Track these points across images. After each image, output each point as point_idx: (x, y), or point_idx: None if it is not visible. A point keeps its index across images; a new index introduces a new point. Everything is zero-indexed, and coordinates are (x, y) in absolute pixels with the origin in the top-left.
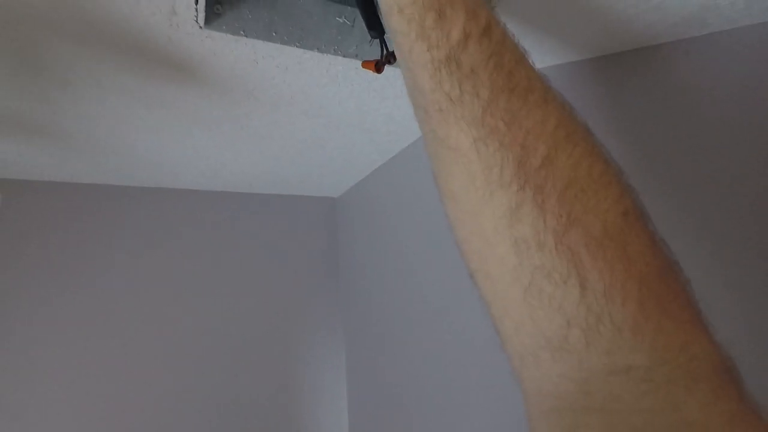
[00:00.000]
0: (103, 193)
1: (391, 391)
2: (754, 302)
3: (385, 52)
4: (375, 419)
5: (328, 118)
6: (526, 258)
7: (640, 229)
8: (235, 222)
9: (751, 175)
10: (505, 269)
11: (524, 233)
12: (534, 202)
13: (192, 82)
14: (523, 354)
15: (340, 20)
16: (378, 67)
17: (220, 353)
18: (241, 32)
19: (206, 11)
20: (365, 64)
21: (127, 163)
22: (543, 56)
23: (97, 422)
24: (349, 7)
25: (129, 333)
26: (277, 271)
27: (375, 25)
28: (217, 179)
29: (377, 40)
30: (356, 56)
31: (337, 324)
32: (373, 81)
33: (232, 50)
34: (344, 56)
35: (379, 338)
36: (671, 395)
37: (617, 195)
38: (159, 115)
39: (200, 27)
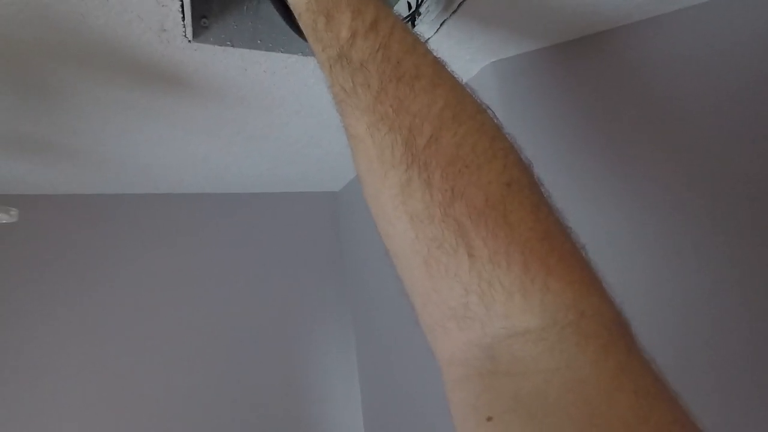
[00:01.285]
0: (113, 202)
1: (405, 382)
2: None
3: None
4: (389, 413)
5: (320, 117)
6: (421, 231)
7: (524, 197)
8: (241, 222)
9: (727, 151)
10: (405, 244)
11: (416, 208)
12: (420, 178)
13: (186, 92)
14: (432, 326)
15: None
16: None
17: (231, 352)
18: (228, 43)
19: (193, 26)
20: None
21: (133, 172)
22: (520, 43)
23: (105, 421)
24: None
25: (143, 334)
26: (285, 267)
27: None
28: (220, 182)
29: None
30: None
31: (346, 318)
32: None
33: (221, 60)
34: None
35: (389, 329)
36: (564, 354)
37: (500, 167)
38: (158, 126)
39: (189, 41)
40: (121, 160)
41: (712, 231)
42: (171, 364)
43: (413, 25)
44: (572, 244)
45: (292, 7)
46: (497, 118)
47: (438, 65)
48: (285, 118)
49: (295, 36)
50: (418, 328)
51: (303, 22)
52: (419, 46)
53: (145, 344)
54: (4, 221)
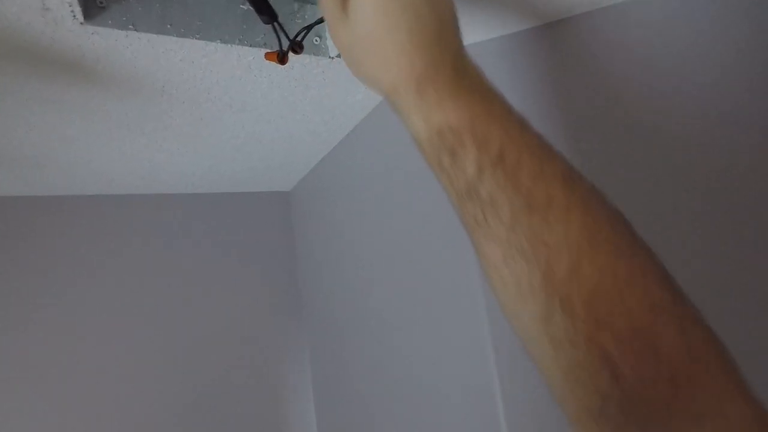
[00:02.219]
0: (32, 205)
1: (357, 386)
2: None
3: (286, 41)
4: (342, 416)
5: (256, 112)
6: (562, 351)
7: (669, 318)
8: (182, 225)
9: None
10: (545, 355)
11: (558, 334)
12: (563, 310)
13: (94, 83)
14: (571, 418)
15: (245, 8)
16: (281, 58)
17: (178, 359)
18: (131, 26)
19: (86, 4)
20: (268, 55)
21: (52, 173)
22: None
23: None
24: None
25: (70, 340)
26: (234, 271)
27: (264, 10)
28: (155, 182)
29: (289, 26)
30: (264, 45)
31: (300, 322)
32: (291, 70)
33: (126, 46)
34: (251, 46)
35: (343, 333)
36: None
37: (641, 292)
38: (72, 121)
39: (81, 22)
40: (35, 160)
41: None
42: (112, 374)
43: None
44: (722, 360)
45: (412, 136)
46: (628, 222)
47: (568, 181)
48: (216, 113)
49: (214, 21)
50: (375, 336)
51: (425, 154)
52: (547, 165)
53: (78, 349)
54: None
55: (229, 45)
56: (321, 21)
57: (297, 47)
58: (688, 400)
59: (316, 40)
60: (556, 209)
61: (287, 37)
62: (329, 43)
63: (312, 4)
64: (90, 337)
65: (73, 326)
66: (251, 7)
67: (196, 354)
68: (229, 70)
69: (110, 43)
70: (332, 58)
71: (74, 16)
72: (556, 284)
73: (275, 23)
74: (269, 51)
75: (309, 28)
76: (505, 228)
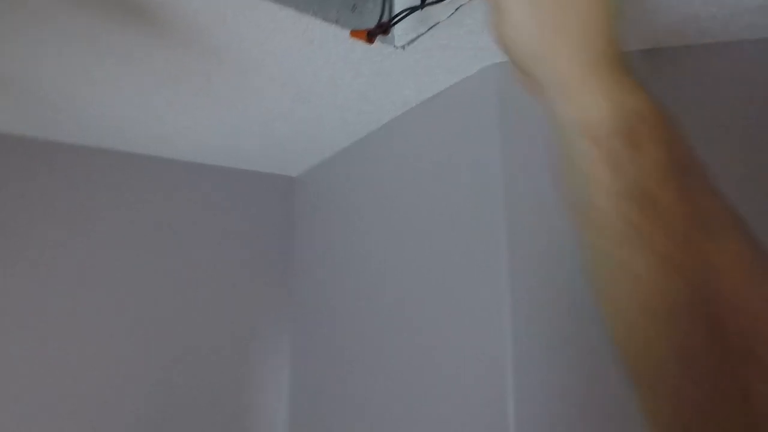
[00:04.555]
0: (30, 146)
1: (338, 393)
2: None
3: (382, 19)
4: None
5: (298, 88)
6: (699, 379)
7: None
8: (178, 194)
9: None
10: (668, 376)
11: (698, 360)
12: (710, 333)
13: (150, 28)
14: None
15: None
16: (370, 37)
17: (150, 343)
18: None
19: None
20: (355, 33)
21: (66, 116)
22: None
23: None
24: None
25: (50, 315)
26: (223, 252)
27: None
28: (165, 144)
29: (361, 8)
30: (336, 22)
31: (285, 317)
32: (351, 53)
33: None
34: (323, 20)
35: (331, 346)
36: None
37: None
38: (105, 63)
39: None
40: (52, 100)
41: None
42: (79, 358)
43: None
44: None
45: (571, 118)
46: None
47: (730, 203)
48: (258, 84)
49: None
50: (364, 352)
51: (589, 137)
52: (714, 186)
53: (50, 328)
54: None
55: (302, 14)
56: (419, 8)
57: (388, 27)
58: None
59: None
60: (729, 230)
61: (390, 14)
62: (398, 32)
63: None
64: (59, 297)
65: (44, 278)
66: None
67: (168, 326)
68: (292, 40)
69: None
70: (397, 47)
71: None
72: (712, 308)
73: None
74: (357, 29)
75: (411, 10)
76: (670, 242)
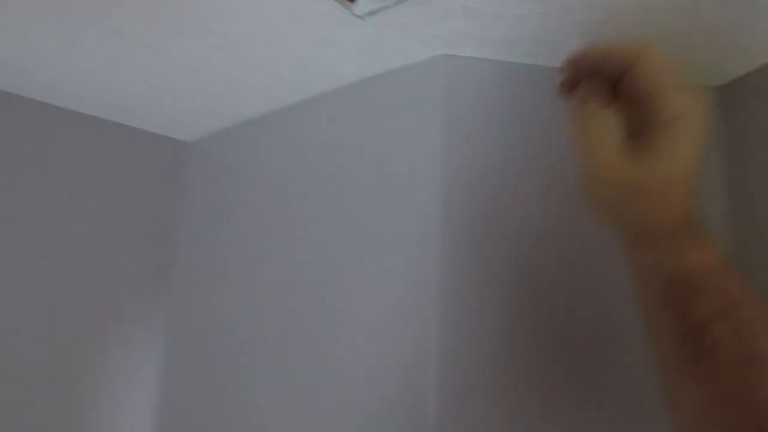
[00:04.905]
0: None
1: (217, 386)
2: None
3: None
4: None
5: (225, 39)
6: None
7: None
8: (46, 143)
9: None
10: None
11: None
12: None
13: None
14: None
15: None
16: None
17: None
18: None
19: None
20: None
21: None
22: (483, 47)
23: None
24: None
25: None
26: (93, 221)
27: None
28: (63, 94)
29: None
30: None
31: (159, 299)
32: (303, 14)
33: None
34: None
35: (213, 353)
36: None
37: None
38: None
39: None
40: None
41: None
42: None
43: None
44: None
45: (650, 269)
46: None
47: None
48: (181, 26)
49: None
50: (253, 337)
51: (662, 289)
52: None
53: None
54: None
55: None
56: None
57: None
58: None
59: None
60: None
61: None
62: (364, 2)
63: None
64: None
65: None
66: None
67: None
68: None
69: None
70: (356, 15)
71: None
72: None
73: None
74: None
75: None
76: (717, 382)
